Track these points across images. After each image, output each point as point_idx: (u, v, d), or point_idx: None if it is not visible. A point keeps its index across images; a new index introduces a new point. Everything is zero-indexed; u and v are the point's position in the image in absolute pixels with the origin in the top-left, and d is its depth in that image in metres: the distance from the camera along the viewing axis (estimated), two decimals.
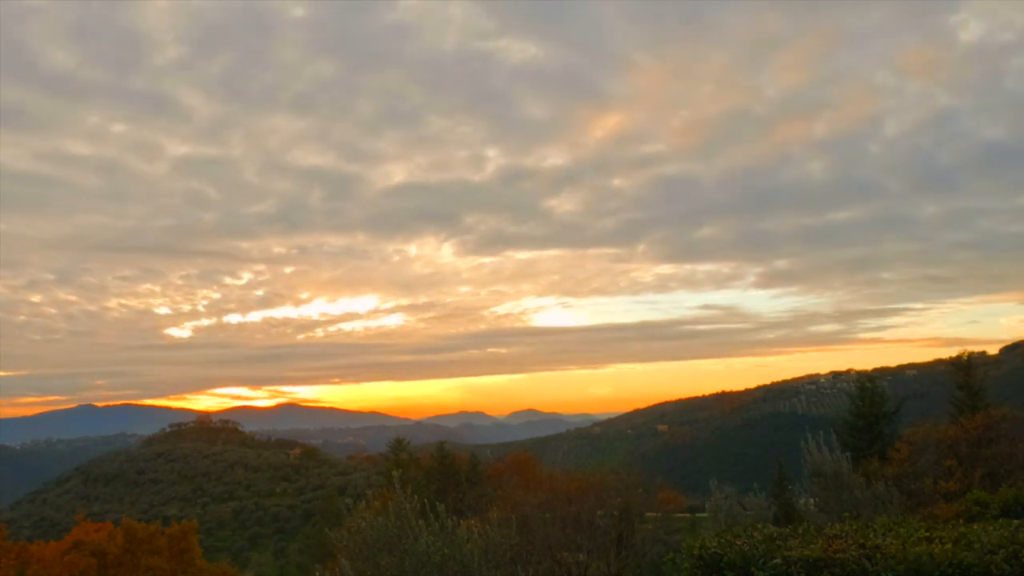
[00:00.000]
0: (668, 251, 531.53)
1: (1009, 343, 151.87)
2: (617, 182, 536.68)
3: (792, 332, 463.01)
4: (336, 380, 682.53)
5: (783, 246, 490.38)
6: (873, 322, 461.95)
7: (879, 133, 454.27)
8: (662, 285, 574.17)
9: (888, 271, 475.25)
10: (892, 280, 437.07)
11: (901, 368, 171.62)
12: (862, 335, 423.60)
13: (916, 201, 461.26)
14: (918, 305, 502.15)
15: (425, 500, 11.06)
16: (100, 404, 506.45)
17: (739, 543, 6.93)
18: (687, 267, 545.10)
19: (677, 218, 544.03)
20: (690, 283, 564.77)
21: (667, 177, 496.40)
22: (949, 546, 6.21)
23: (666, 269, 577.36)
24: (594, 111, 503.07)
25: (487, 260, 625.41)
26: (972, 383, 27.08)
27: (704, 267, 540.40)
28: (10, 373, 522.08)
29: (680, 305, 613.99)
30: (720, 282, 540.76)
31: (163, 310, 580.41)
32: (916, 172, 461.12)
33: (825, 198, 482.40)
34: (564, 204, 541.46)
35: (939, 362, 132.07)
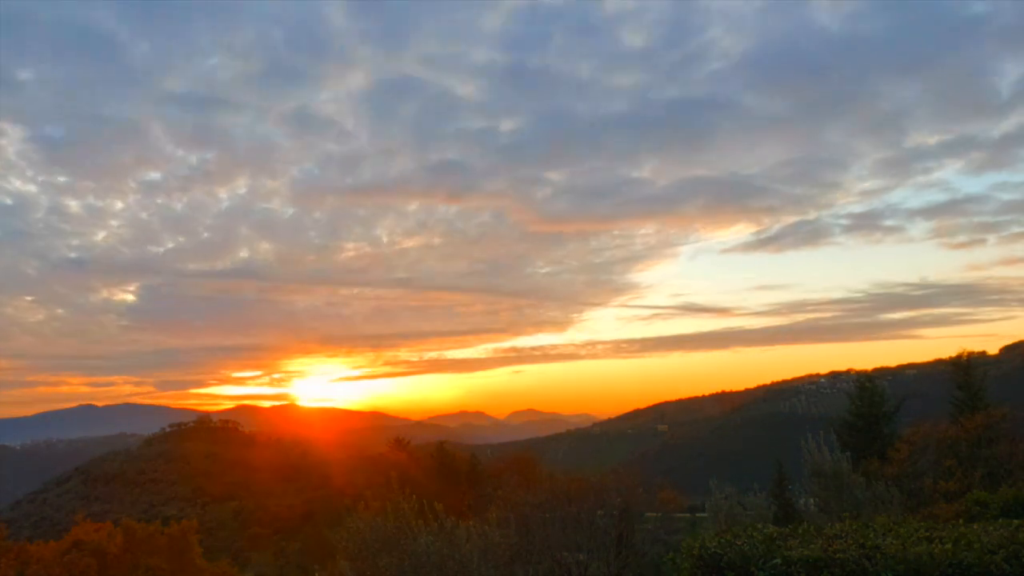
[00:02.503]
0: None
1: (1009, 343, 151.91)
2: None
3: (792, 330, 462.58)
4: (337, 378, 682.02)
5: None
6: (873, 322, 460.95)
7: None
8: None
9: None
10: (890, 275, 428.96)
11: (901, 368, 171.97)
12: (862, 335, 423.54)
13: None
14: (917, 304, 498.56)
15: (424, 500, 11.05)
16: (100, 404, 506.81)
17: (739, 543, 6.92)
18: None
19: None
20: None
21: None
22: (949, 546, 6.20)
23: None
24: None
25: None
26: (972, 383, 27.02)
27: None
28: (9, 365, 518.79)
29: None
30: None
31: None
32: None
33: None
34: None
35: (939, 362, 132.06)
